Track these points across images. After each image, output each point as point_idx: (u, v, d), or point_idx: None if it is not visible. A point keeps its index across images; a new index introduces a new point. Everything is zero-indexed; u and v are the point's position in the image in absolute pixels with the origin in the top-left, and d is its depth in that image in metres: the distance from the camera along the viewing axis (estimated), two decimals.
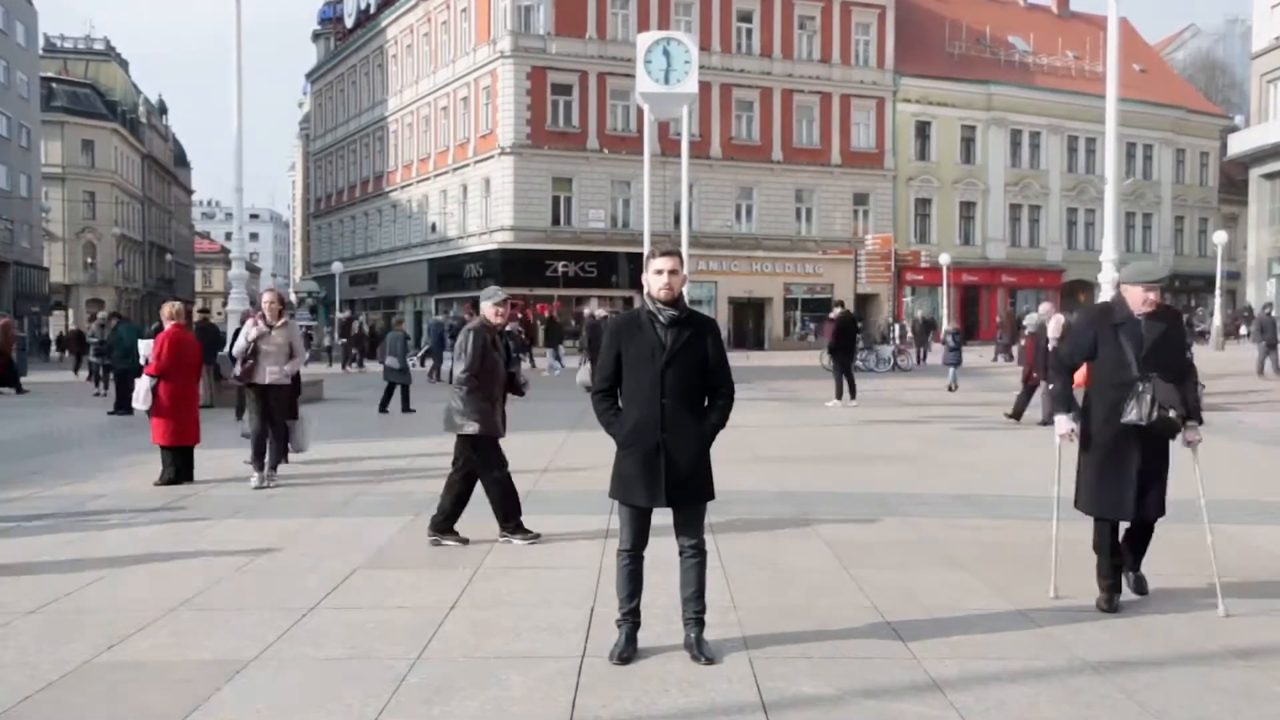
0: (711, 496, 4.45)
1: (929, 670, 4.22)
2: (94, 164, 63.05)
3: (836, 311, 18.01)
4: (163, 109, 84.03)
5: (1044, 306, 15.62)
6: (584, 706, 3.87)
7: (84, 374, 25.41)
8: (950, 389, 20.03)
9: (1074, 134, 50.05)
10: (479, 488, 6.67)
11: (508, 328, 7.17)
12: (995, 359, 32.09)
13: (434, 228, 45.71)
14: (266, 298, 9.22)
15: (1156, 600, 5.28)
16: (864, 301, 41.67)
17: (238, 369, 8.96)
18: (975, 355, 30.62)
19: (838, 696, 3.96)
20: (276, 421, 9.03)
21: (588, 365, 14.39)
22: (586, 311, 24.49)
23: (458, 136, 43.78)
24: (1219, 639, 4.68)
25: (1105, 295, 16.75)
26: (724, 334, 5.60)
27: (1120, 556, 5.20)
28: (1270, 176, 39.65)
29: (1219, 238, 39.82)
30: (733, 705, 3.88)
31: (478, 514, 6.23)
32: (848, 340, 17.16)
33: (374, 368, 25.48)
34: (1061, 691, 4.03)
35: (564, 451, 11.20)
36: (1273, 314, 24.53)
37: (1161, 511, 5.12)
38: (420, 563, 6.14)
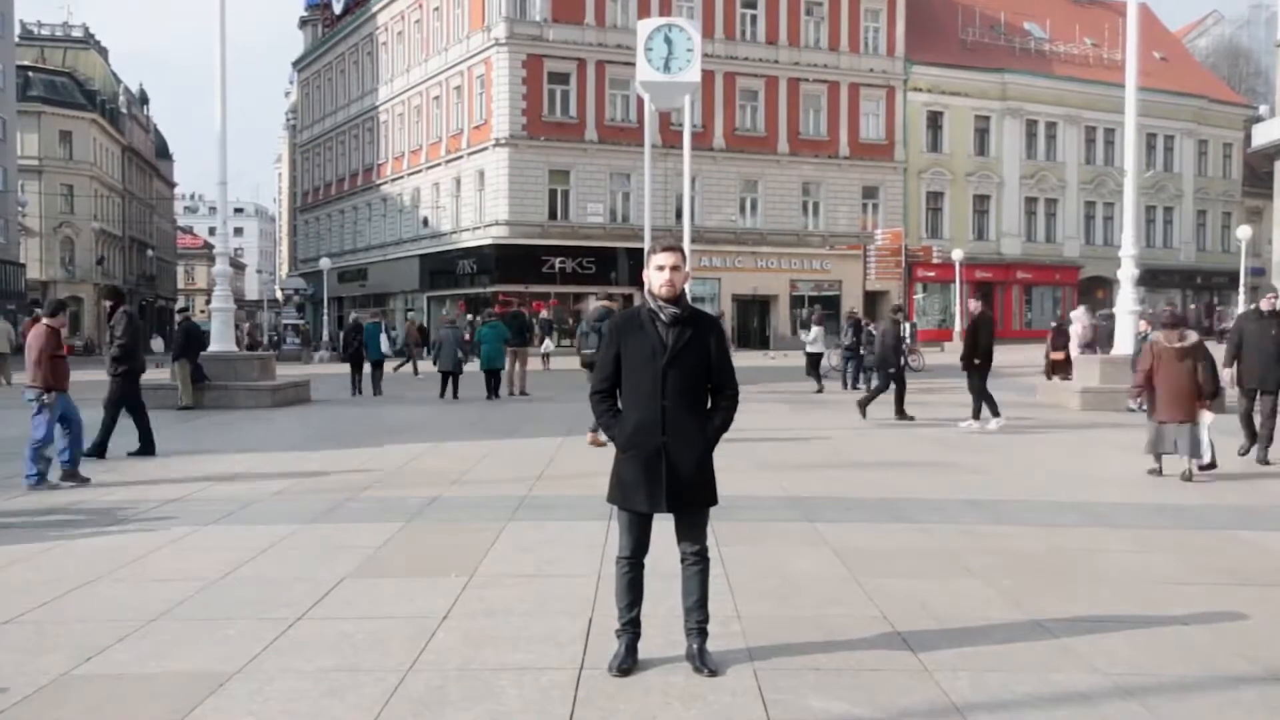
0: (714, 502, 4.34)
1: (941, 684, 4.09)
2: (72, 156, 61.69)
3: (974, 306, 14.60)
4: (144, 99, 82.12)
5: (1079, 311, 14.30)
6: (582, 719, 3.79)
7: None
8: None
9: (1092, 124, 49.39)
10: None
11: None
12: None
13: (426, 222, 45.05)
14: None
15: (1176, 610, 5.12)
16: (873, 299, 41.43)
17: None
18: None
19: (846, 711, 3.84)
20: None
21: None
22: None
23: (451, 127, 43.10)
24: (1244, 652, 4.53)
25: (1125, 292, 16.43)
26: (728, 333, 5.44)
27: None
28: None
29: (1243, 232, 39.55)
30: (736, 719, 3.78)
31: (477, 515, 6.08)
32: (988, 347, 13.58)
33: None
34: (1081, 711, 3.88)
35: (561, 455, 11.02)
36: None
37: None
38: (411, 571, 6.00)
